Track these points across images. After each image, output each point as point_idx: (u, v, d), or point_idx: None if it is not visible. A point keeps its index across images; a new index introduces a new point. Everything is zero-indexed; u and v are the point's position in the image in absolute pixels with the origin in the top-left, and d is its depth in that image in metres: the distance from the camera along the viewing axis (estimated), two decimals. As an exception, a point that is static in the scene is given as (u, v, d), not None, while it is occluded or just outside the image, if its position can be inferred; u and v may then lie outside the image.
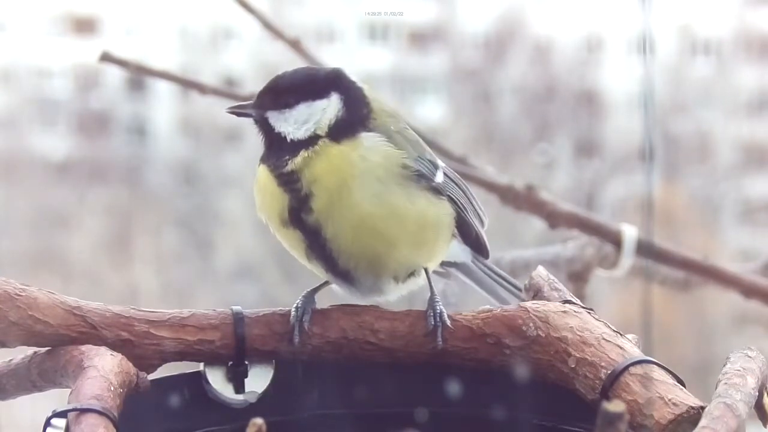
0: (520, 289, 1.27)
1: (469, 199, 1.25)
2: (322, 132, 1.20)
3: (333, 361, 1.16)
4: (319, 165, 1.17)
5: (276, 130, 1.22)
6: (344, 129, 1.20)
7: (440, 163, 1.24)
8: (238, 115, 1.24)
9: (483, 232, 1.27)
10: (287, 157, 1.19)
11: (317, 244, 1.18)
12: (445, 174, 1.23)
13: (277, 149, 1.21)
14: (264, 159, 1.22)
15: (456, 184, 1.24)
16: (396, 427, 1.13)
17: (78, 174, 7.77)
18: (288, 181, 1.18)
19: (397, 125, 1.22)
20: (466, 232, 1.25)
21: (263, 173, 1.21)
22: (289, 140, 1.20)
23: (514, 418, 1.17)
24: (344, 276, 1.19)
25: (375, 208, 1.17)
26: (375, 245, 1.17)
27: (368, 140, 1.19)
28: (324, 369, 1.17)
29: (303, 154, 1.18)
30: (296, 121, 1.21)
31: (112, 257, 7.30)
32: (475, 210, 1.26)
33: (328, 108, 1.21)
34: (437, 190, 1.20)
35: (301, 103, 1.22)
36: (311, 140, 1.19)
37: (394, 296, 1.21)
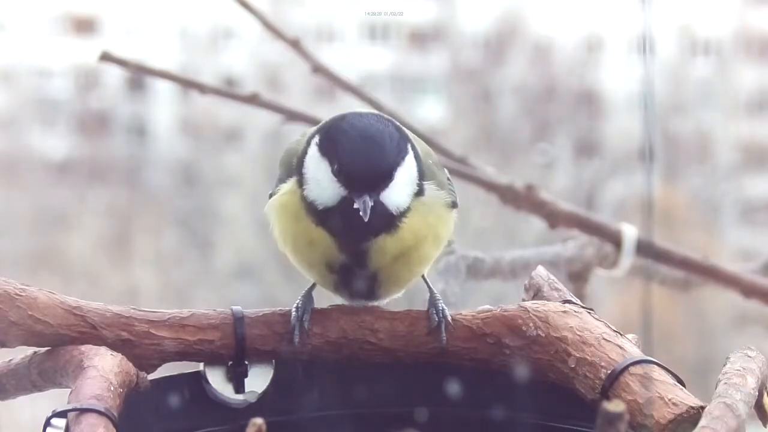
0: None
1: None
2: (412, 194, 1.13)
3: (333, 361, 1.16)
4: (387, 240, 1.13)
5: (390, 210, 1.11)
6: (421, 183, 1.13)
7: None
8: (354, 209, 1.09)
9: None
10: (370, 237, 1.11)
11: (354, 281, 1.16)
12: (448, 178, 1.21)
13: (361, 229, 1.11)
14: (320, 221, 1.12)
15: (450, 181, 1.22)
16: (396, 427, 1.13)
17: (78, 174, 7.77)
18: (354, 250, 1.13)
19: (426, 153, 1.16)
20: None
21: (315, 232, 1.13)
22: (396, 213, 1.12)
23: (514, 418, 1.17)
24: (364, 296, 1.18)
25: (427, 252, 1.15)
26: (414, 273, 1.17)
27: (429, 193, 1.14)
28: (324, 369, 1.17)
29: (396, 226, 1.12)
30: (402, 189, 1.12)
31: (112, 257, 7.31)
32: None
33: (414, 163, 1.13)
34: (455, 204, 1.19)
35: (399, 168, 1.11)
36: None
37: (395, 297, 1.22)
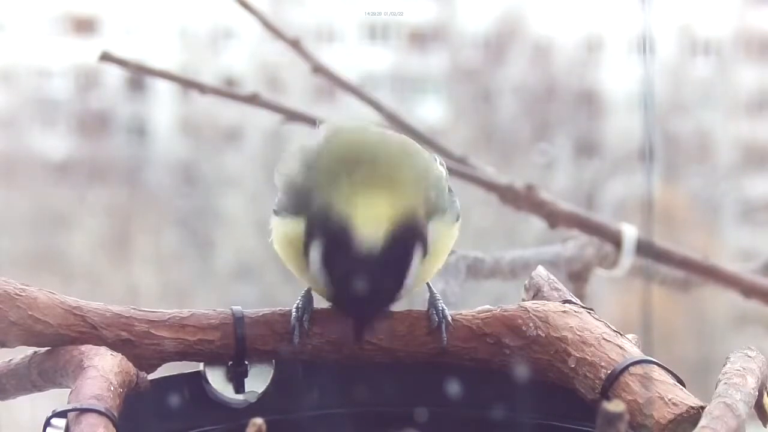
0: None
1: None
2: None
3: (333, 360, 1.16)
4: None
5: (397, 297, 1.10)
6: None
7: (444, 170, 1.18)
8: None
9: None
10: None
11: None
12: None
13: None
14: (338, 306, 1.11)
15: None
16: (396, 427, 1.13)
17: (78, 174, 7.77)
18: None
19: (435, 181, 1.12)
20: None
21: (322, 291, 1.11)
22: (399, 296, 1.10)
23: (514, 418, 1.17)
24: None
25: (429, 269, 1.14)
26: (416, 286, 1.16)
27: (434, 234, 1.10)
28: (324, 369, 1.17)
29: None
30: (407, 282, 1.09)
31: (112, 257, 7.31)
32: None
33: (417, 257, 1.08)
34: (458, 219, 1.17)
35: (407, 277, 1.08)
36: None
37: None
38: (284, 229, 1.13)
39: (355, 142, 1.13)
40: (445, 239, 1.14)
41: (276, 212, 1.15)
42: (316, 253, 1.08)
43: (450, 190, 1.17)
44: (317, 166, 1.11)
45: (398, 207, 1.06)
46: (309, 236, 1.08)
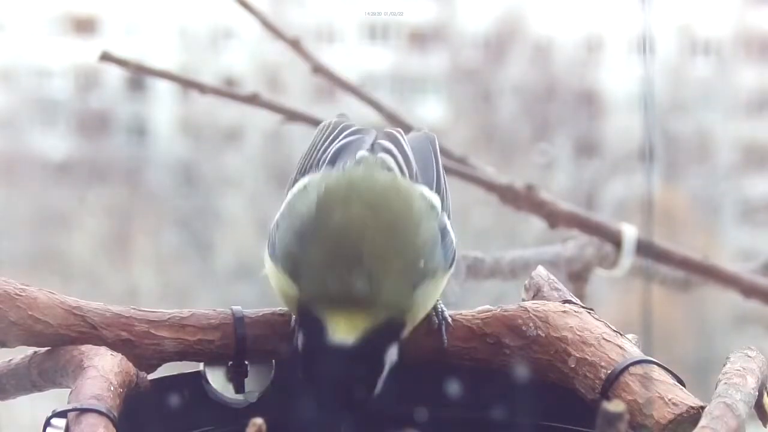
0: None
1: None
2: None
3: (333, 361, 1.15)
4: None
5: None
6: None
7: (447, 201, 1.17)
8: None
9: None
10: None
11: None
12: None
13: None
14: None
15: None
16: (396, 427, 1.13)
17: (78, 174, 7.77)
18: None
19: (423, 252, 1.11)
20: None
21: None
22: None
23: (514, 418, 1.17)
24: None
25: None
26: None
27: (421, 298, 1.11)
28: (324, 369, 1.16)
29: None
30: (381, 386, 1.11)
31: (112, 257, 7.31)
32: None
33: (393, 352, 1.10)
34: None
35: (383, 371, 1.10)
36: None
37: None
38: (279, 284, 1.13)
39: (342, 221, 1.11)
40: (434, 292, 1.13)
41: (271, 257, 1.14)
42: (299, 341, 1.09)
43: (444, 234, 1.14)
44: (308, 240, 1.11)
45: (373, 316, 1.07)
46: (298, 316, 1.11)
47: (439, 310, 1.16)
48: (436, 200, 1.16)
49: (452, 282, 1.64)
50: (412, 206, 1.13)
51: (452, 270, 1.16)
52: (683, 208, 7.44)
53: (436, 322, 1.16)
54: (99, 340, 1.11)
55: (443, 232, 1.14)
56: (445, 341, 1.15)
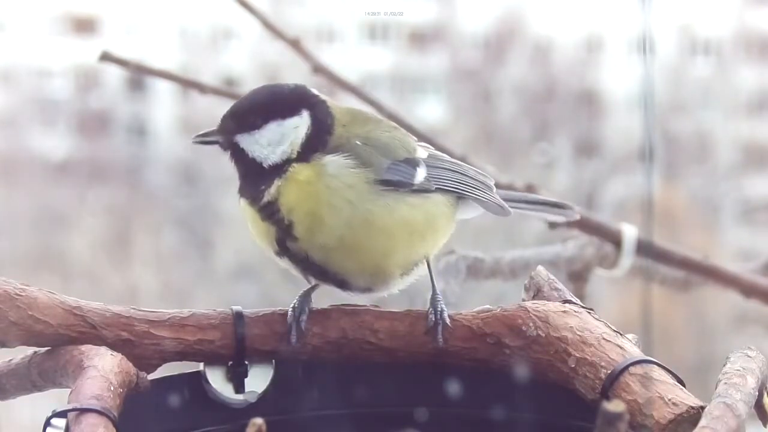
0: (562, 206, 1.32)
1: (465, 176, 1.22)
2: (294, 154, 1.16)
3: (333, 361, 1.16)
4: (292, 193, 1.15)
5: (250, 156, 1.17)
6: (312, 149, 1.16)
7: (422, 154, 1.21)
8: (205, 143, 1.19)
9: (494, 195, 1.24)
10: (263, 188, 1.15)
11: (311, 268, 1.17)
12: (429, 166, 1.20)
13: (253, 178, 1.16)
14: (241, 191, 1.18)
15: (446, 169, 1.21)
16: (396, 427, 1.13)
17: (78, 174, 7.77)
18: (269, 213, 1.15)
19: (364, 132, 1.18)
20: (478, 202, 1.23)
21: (245, 207, 1.17)
22: (266, 166, 1.16)
23: (514, 418, 1.17)
24: (349, 287, 1.18)
25: (353, 230, 1.15)
26: (369, 260, 1.16)
27: (332, 165, 1.16)
28: (324, 369, 1.17)
29: (276, 183, 1.15)
30: (270, 143, 1.17)
31: (112, 257, 7.31)
32: (477, 182, 1.23)
33: (300, 126, 1.17)
34: (420, 190, 1.18)
35: (271, 122, 1.17)
36: (284, 165, 1.16)
37: (400, 287, 1.21)
38: (243, 214, 1.20)
39: None
40: (356, 185, 1.16)
41: None
42: None
43: (416, 162, 1.19)
44: None
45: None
46: None
47: (438, 309, 1.16)
48: (421, 151, 1.22)
49: (452, 282, 1.64)
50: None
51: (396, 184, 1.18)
52: (683, 208, 7.44)
53: (432, 320, 1.16)
54: (99, 340, 1.11)
55: (408, 161, 1.19)
56: (440, 341, 1.15)
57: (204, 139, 1.19)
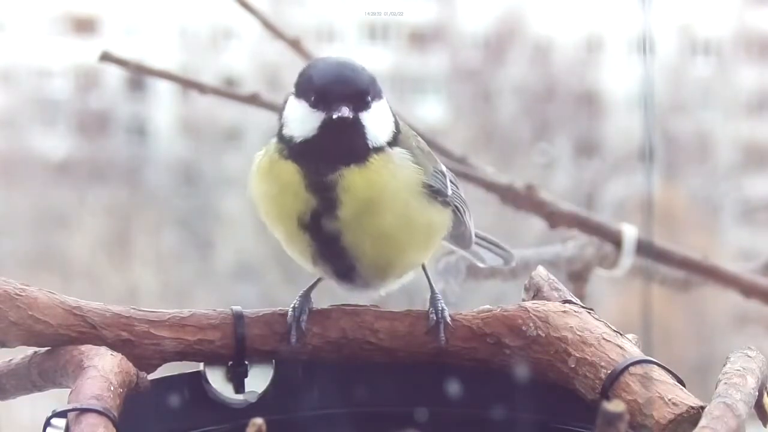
0: (504, 249, 1.33)
1: (464, 200, 1.25)
2: (390, 138, 1.16)
3: (333, 361, 1.16)
4: (357, 175, 1.14)
5: (364, 132, 1.14)
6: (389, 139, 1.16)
7: (444, 168, 1.23)
8: (343, 120, 1.13)
9: (471, 226, 1.26)
10: (340, 165, 1.13)
11: (329, 249, 1.16)
12: (451, 182, 1.22)
13: (337, 155, 1.13)
14: (294, 156, 1.14)
15: (456, 186, 1.23)
16: (396, 427, 1.13)
17: (78, 174, 7.77)
18: (321, 187, 1.13)
19: (415, 138, 1.20)
20: (458, 228, 1.24)
21: (287, 170, 1.14)
22: (371, 146, 1.14)
23: (514, 418, 1.17)
24: (349, 277, 1.18)
25: (396, 222, 1.15)
26: (389, 253, 1.17)
27: (399, 158, 1.16)
28: (324, 369, 1.17)
29: (353, 165, 1.13)
30: (378, 125, 1.15)
31: (112, 257, 7.31)
32: (467, 209, 1.25)
33: (389, 110, 1.18)
34: (446, 202, 1.19)
35: (376, 101, 1.16)
36: (375, 149, 1.15)
37: (388, 289, 1.21)
38: (269, 174, 1.18)
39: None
40: (413, 186, 1.16)
41: None
42: (289, 105, 1.17)
43: (445, 174, 1.21)
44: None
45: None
46: (279, 117, 1.18)
47: (439, 308, 1.16)
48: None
49: (452, 282, 1.64)
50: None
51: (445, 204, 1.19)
52: (683, 208, 7.44)
53: (434, 319, 1.16)
54: (99, 340, 1.11)
55: (441, 172, 1.20)
56: (442, 340, 1.15)
57: (337, 116, 1.13)
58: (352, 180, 1.13)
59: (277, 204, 1.16)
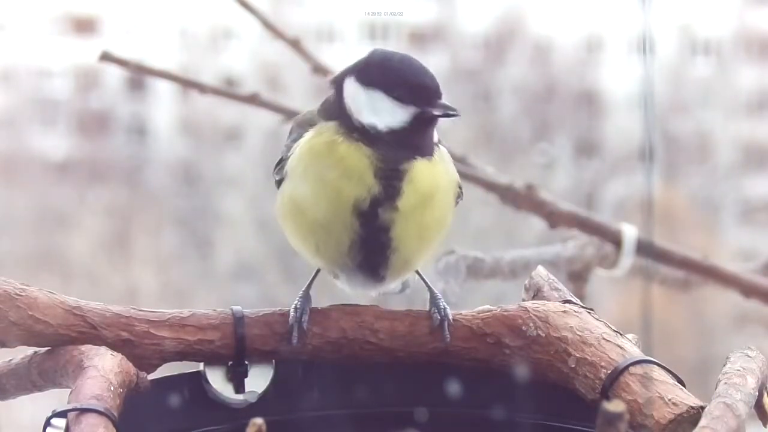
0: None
1: None
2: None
3: (333, 361, 1.16)
4: (422, 168, 1.16)
5: (435, 133, 1.19)
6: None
7: None
8: (449, 116, 1.19)
9: None
10: (416, 156, 1.15)
11: (375, 239, 1.15)
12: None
13: (419, 145, 1.16)
14: (370, 142, 1.15)
15: None
16: (396, 427, 1.13)
17: (78, 174, 7.78)
18: (390, 176, 1.15)
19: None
20: None
21: (355, 154, 1.15)
22: (436, 143, 1.18)
23: (514, 418, 1.17)
24: (374, 271, 1.18)
25: (440, 216, 1.17)
26: (425, 246, 1.18)
27: (447, 155, 1.20)
28: (324, 369, 1.17)
29: (431, 157, 1.17)
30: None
31: (112, 257, 7.31)
32: None
33: None
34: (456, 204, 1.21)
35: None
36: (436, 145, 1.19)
37: (390, 289, 1.21)
38: (309, 141, 1.18)
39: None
40: (451, 181, 1.19)
41: (279, 181, 1.21)
42: (353, 93, 1.18)
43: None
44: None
45: None
46: (337, 103, 1.19)
47: (442, 307, 1.16)
48: None
49: (452, 282, 1.64)
50: None
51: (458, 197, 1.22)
52: (683, 208, 7.44)
53: (438, 318, 1.16)
54: (99, 340, 1.11)
55: None
56: (447, 338, 1.15)
57: (450, 113, 1.19)
58: (420, 171, 1.15)
59: (334, 187, 1.15)
